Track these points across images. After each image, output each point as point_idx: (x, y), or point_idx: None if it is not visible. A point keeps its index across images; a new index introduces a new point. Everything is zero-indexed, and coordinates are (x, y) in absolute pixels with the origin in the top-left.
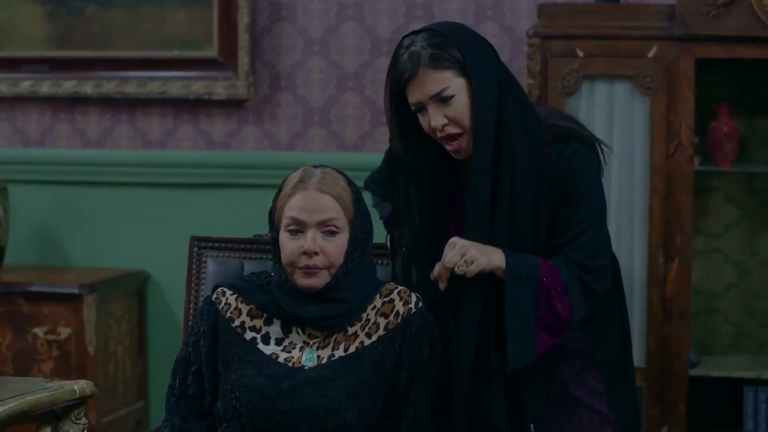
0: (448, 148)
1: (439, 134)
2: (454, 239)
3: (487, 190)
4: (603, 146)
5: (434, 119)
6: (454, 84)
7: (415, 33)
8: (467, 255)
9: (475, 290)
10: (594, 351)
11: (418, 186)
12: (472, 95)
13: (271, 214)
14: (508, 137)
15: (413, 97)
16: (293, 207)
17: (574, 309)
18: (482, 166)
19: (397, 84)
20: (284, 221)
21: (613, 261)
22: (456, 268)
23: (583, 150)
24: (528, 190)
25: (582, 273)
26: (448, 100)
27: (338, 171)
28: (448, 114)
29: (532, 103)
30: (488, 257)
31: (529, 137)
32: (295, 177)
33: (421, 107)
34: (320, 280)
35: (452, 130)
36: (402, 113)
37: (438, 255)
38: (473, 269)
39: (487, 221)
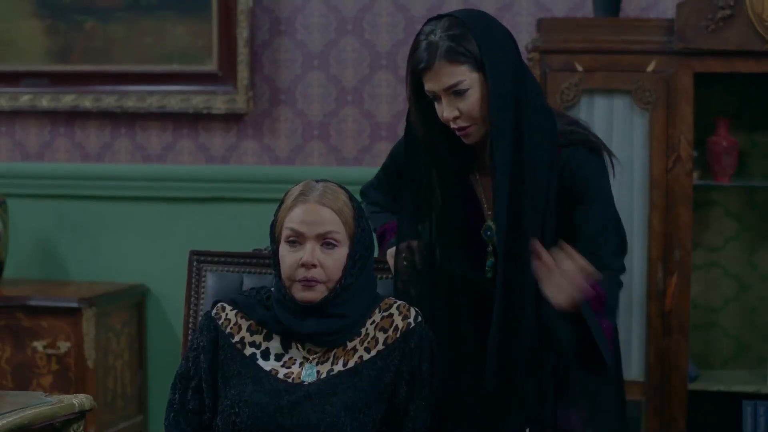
0: (458, 133)
1: (451, 124)
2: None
3: (509, 180)
4: (612, 156)
5: (446, 111)
6: (469, 78)
7: (438, 18)
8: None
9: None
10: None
11: (440, 165)
12: (487, 89)
13: (272, 227)
14: (523, 130)
15: (428, 86)
16: (293, 219)
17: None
18: (503, 158)
19: (414, 72)
20: (284, 233)
21: None
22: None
23: (591, 155)
24: (542, 179)
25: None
26: (462, 93)
27: (340, 186)
28: (460, 107)
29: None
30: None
31: (543, 132)
32: (296, 190)
33: (436, 96)
34: (318, 294)
35: (463, 123)
36: (422, 94)
37: (462, 236)
38: (565, 300)
39: (514, 210)
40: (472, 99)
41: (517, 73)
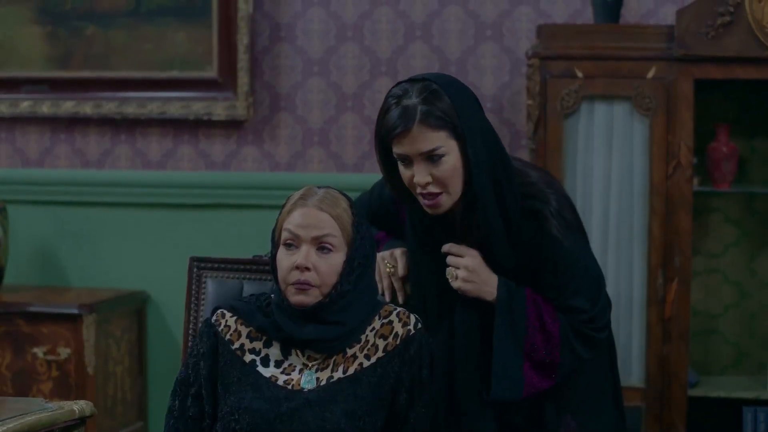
0: (425, 202)
1: (419, 190)
2: (475, 253)
3: (504, 249)
4: (563, 204)
5: (419, 176)
6: (447, 145)
7: (410, 81)
8: (464, 276)
9: (470, 313)
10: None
11: (422, 228)
12: (463, 158)
13: (273, 232)
14: (504, 193)
15: (401, 148)
16: (291, 222)
17: (562, 334)
18: (493, 229)
19: (387, 137)
20: (282, 236)
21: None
22: (447, 272)
23: (547, 208)
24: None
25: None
26: (438, 159)
27: (342, 193)
28: (434, 173)
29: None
30: (480, 289)
31: (514, 193)
32: (297, 195)
33: (407, 159)
34: (311, 298)
35: (434, 189)
36: (393, 159)
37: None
38: (456, 285)
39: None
40: (447, 166)
41: (487, 137)
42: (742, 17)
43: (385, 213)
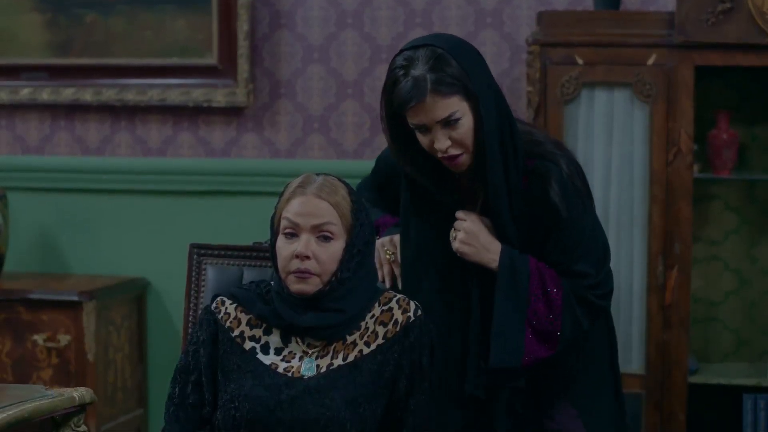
0: (447, 163)
1: (440, 155)
2: (477, 218)
3: (507, 210)
4: (573, 169)
5: (439, 142)
6: (461, 108)
7: (413, 48)
8: (462, 238)
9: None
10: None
11: (422, 200)
12: (476, 117)
13: (272, 219)
14: (509, 152)
15: (416, 119)
16: (290, 210)
17: (565, 302)
18: (497, 188)
19: (400, 110)
20: (281, 224)
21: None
22: (450, 234)
23: (557, 172)
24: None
25: (579, 282)
26: (455, 123)
27: (341, 180)
28: (452, 136)
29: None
30: (480, 254)
31: (518, 151)
32: (295, 182)
33: (424, 128)
34: (312, 287)
35: (454, 151)
36: (401, 129)
37: (440, 268)
38: (455, 247)
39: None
40: (465, 128)
41: (496, 95)
42: (743, 4)
43: (396, 177)
